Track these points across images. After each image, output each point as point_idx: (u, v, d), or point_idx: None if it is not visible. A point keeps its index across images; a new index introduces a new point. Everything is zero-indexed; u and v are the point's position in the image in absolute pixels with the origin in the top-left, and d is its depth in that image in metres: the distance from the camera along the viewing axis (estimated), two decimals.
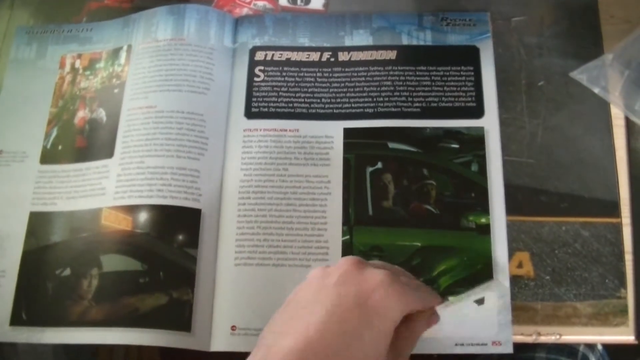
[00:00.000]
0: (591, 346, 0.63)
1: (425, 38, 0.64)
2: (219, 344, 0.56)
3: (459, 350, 0.54)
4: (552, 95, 0.61)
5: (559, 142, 0.60)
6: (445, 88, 0.61)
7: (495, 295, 0.54)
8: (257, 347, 0.43)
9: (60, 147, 0.63)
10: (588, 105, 0.61)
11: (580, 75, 0.61)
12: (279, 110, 0.62)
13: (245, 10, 0.67)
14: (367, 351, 0.42)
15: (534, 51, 0.63)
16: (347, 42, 0.64)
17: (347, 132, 0.60)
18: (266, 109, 0.62)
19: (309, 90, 0.62)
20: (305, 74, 0.63)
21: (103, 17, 0.69)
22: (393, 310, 0.44)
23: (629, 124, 0.60)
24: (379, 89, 0.62)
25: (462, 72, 0.62)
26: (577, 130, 0.60)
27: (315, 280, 0.46)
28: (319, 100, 0.62)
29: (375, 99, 0.61)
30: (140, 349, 0.95)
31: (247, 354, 0.43)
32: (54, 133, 0.64)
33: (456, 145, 0.59)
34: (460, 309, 0.54)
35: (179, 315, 0.56)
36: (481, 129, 0.59)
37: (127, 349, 0.93)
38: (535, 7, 0.65)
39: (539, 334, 0.54)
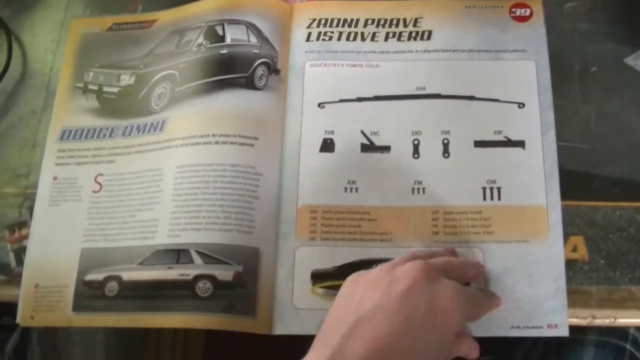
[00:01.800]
0: None
1: None
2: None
3: (515, 333, 0.54)
4: (606, 81, 0.62)
5: (612, 128, 0.60)
6: None
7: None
8: (321, 344, 0.45)
9: None
10: None
11: (634, 61, 0.61)
12: None
13: None
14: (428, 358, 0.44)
15: (587, 37, 0.63)
16: None
17: None
18: None
19: None
20: None
21: (158, 5, 0.70)
22: (458, 323, 0.47)
23: None
24: None
25: None
26: (631, 115, 0.60)
27: (382, 283, 0.47)
28: None
29: None
30: (186, 333, 0.97)
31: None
32: None
33: None
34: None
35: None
36: None
37: (174, 332, 0.94)
38: None
39: (594, 317, 0.55)
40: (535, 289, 0.55)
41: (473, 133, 0.60)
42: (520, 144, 0.60)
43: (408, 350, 0.44)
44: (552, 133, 0.60)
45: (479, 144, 0.60)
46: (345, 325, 0.45)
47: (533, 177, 0.59)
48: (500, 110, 0.61)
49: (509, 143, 0.60)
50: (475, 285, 0.55)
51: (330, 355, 0.43)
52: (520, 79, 0.62)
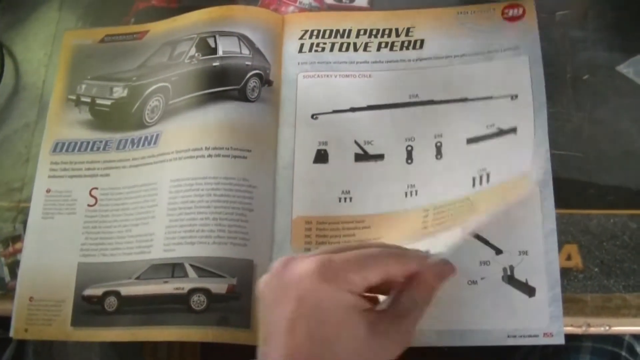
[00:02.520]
0: (636, 336, 0.63)
1: None
2: None
3: (511, 342, 0.54)
4: (598, 89, 0.62)
5: (605, 135, 0.60)
6: None
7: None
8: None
9: None
10: (634, 98, 0.61)
11: (626, 68, 0.61)
12: None
13: (291, 9, 0.68)
14: (344, 344, 0.42)
15: (579, 45, 0.63)
16: None
17: None
18: None
19: None
20: None
21: (151, 17, 0.70)
22: (334, 296, 0.42)
23: None
24: None
25: None
26: (623, 123, 0.60)
27: (264, 293, 0.45)
28: None
29: None
30: (182, 344, 0.97)
31: None
32: None
33: None
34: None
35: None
36: None
37: (169, 344, 0.94)
38: (580, 0, 0.65)
39: (589, 325, 0.55)
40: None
41: (466, 132, 0.60)
42: (512, 130, 0.59)
43: (316, 351, 0.42)
44: (544, 121, 0.59)
45: (471, 140, 0.60)
46: (263, 331, 0.44)
47: (525, 159, 0.58)
48: (493, 106, 0.61)
49: (500, 133, 0.59)
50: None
51: None
52: (513, 74, 0.62)
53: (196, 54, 0.65)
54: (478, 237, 0.57)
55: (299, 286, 0.42)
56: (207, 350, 0.98)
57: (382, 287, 0.47)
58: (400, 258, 0.47)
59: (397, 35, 0.66)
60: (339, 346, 0.42)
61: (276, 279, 0.44)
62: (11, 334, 0.60)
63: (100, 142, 0.65)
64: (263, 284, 0.45)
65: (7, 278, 0.62)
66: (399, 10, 0.67)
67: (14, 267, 0.62)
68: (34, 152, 0.66)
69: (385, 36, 0.66)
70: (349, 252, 0.45)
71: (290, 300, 0.42)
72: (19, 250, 0.62)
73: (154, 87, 0.66)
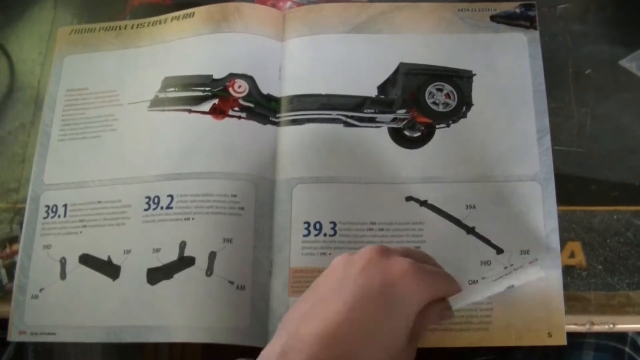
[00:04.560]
0: None
1: None
2: None
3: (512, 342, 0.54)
4: (600, 84, 0.61)
5: (608, 131, 0.60)
6: None
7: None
8: (277, 333, 0.45)
9: None
10: (637, 93, 0.60)
11: (629, 63, 0.60)
12: None
13: (288, 4, 0.67)
14: (388, 337, 0.43)
15: (581, 39, 0.62)
16: None
17: None
18: None
19: None
20: None
21: (146, 14, 0.69)
22: (417, 297, 0.45)
23: None
24: None
25: None
26: (626, 118, 0.60)
27: (339, 268, 0.47)
28: None
29: None
30: (184, 345, 0.97)
31: None
32: None
33: None
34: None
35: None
36: None
37: (171, 345, 0.94)
38: None
39: (593, 324, 0.54)
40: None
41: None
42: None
43: (366, 327, 0.43)
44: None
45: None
46: (303, 310, 0.45)
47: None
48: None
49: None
50: None
51: (286, 338, 0.43)
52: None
53: None
54: (479, 236, 0.56)
55: (364, 257, 0.46)
56: (209, 352, 0.98)
57: None
58: (452, 285, 0.50)
59: None
60: (386, 336, 0.44)
61: (340, 261, 0.47)
62: (9, 337, 0.60)
63: None
64: (346, 258, 0.47)
65: (5, 280, 0.62)
66: (399, 3, 0.66)
67: (11, 269, 0.61)
68: (30, 152, 0.65)
69: None
70: (437, 266, 0.51)
71: (357, 267, 0.45)
72: (16, 252, 0.62)
73: None
